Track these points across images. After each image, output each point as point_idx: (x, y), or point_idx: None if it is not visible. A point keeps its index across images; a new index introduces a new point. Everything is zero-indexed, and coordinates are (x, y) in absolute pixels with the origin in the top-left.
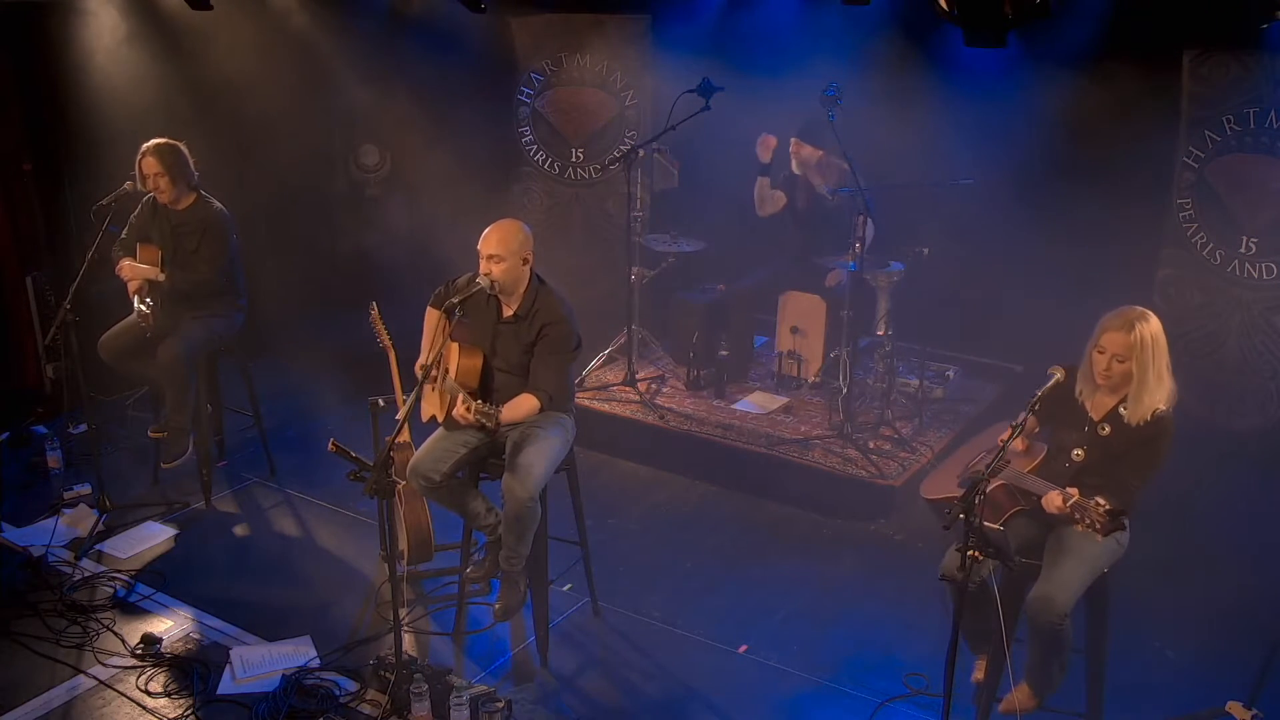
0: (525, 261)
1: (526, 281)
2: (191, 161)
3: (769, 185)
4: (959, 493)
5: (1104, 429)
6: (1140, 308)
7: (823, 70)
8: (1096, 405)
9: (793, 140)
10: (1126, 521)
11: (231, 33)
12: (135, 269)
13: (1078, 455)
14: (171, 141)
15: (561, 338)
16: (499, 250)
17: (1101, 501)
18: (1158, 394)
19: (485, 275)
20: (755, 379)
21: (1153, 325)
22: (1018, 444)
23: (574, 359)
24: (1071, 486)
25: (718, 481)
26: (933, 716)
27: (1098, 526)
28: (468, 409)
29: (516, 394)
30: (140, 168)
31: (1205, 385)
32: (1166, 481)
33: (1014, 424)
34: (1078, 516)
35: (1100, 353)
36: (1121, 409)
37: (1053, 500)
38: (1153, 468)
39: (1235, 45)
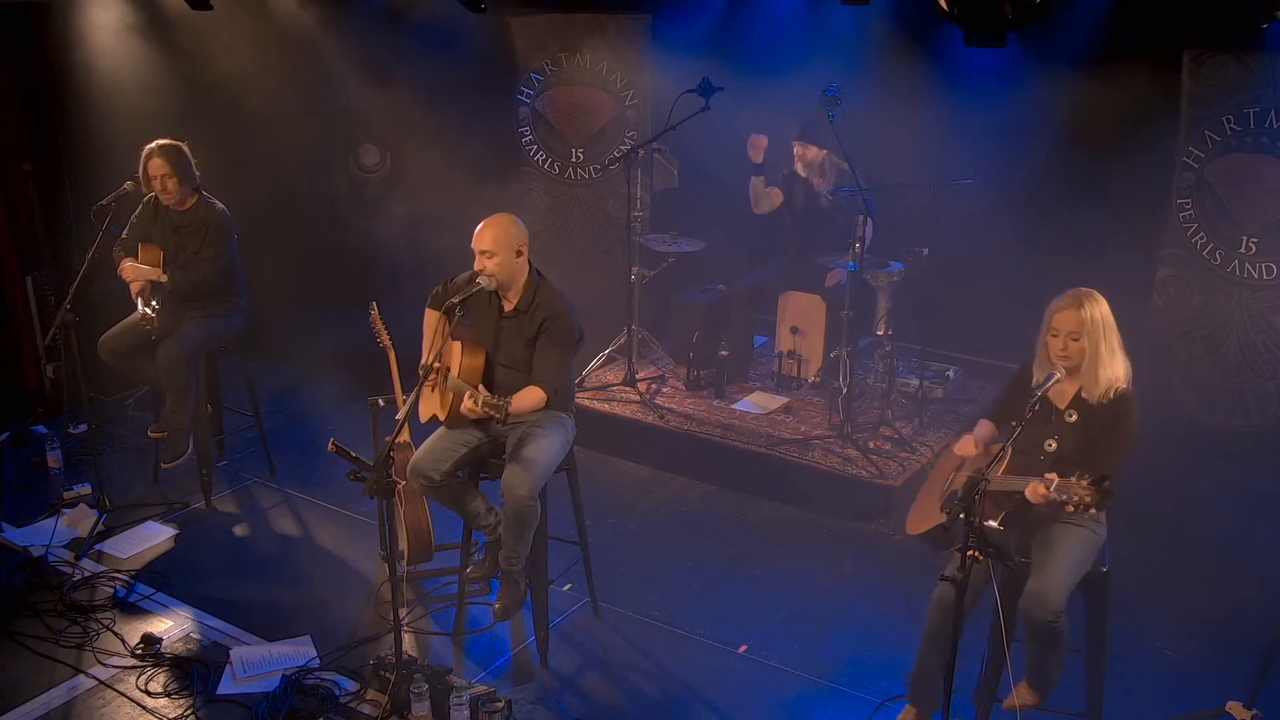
0: (519, 254)
1: (525, 275)
2: (194, 162)
3: (763, 184)
4: (943, 518)
5: (1071, 415)
6: (1087, 288)
7: (823, 70)
8: (1058, 394)
9: (797, 143)
10: (1103, 515)
11: (232, 32)
12: (137, 270)
13: (1051, 446)
14: (176, 142)
15: (563, 331)
16: (491, 246)
17: (1080, 475)
18: (1113, 369)
19: (481, 271)
20: (755, 379)
21: (1102, 304)
22: (970, 450)
23: (576, 352)
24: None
25: (718, 481)
26: (934, 716)
27: (1088, 501)
28: (475, 401)
29: (520, 390)
30: (146, 169)
31: (1205, 385)
32: (1166, 481)
33: (1014, 424)
34: (1064, 498)
35: (1054, 335)
36: (1083, 393)
37: (1036, 490)
38: (1125, 447)
39: (1235, 45)
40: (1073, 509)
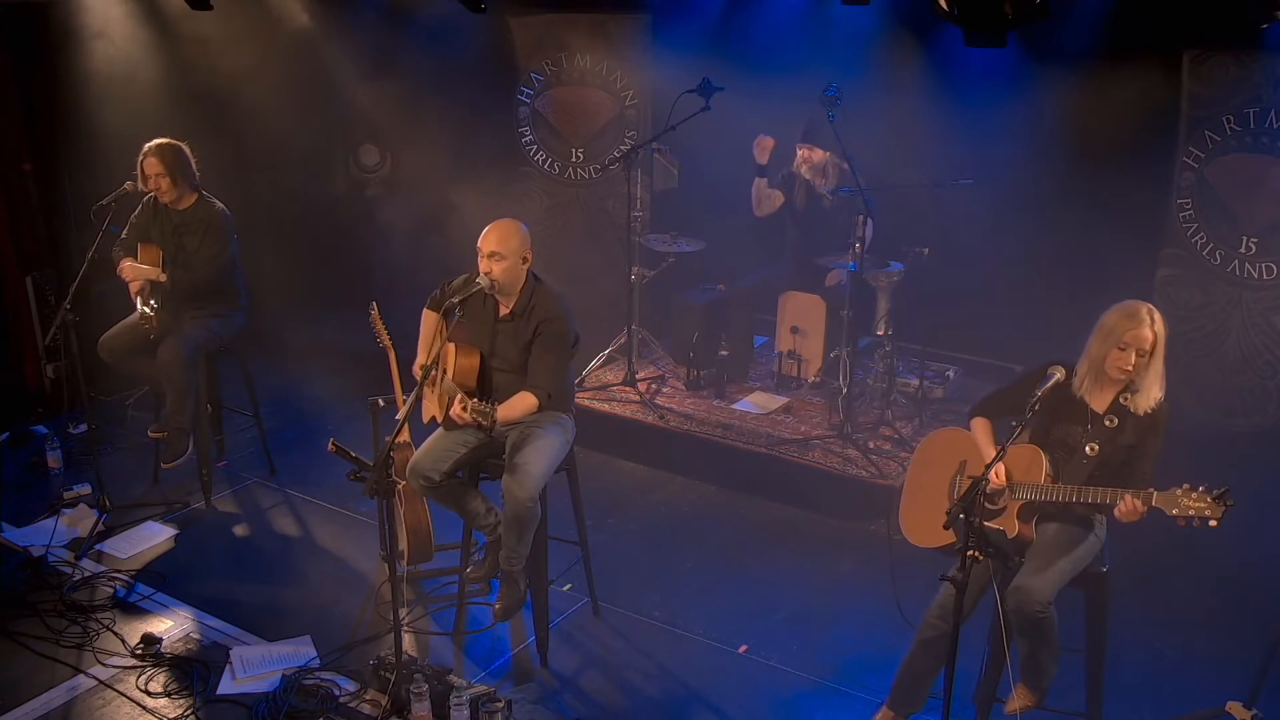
0: (525, 260)
1: (523, 280)
2: (194, 161)
3: (766, 186)
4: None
5: (1111, 421)
6: (1146, 302)
7: (823, 70)
8: (1099, 399)
9: (802, 146)
10: (1104, 517)
11: (231, 33)
12: (136, 270)
13: (1092, 450)
14: (174, 142)
15: (558, 335)
16: (500, 249)
17: (1188, 488)
18: (1161, 382)
19: (485, 275)
20: (755, 379)
21: (1161, 318)
22: (1001, 480)
23: (571, 356)
24: (1089, 484)
25: (718, 481)
26: (933, 717)
27: (1208, 514)
28: (464, 408)
29: (517, 393)
30: (142, 168)
31: (1205, 385)
32: (1166, 481)
33: (1015, 423)
34: (1175, 512)
35: (1122, 349)
36: (1123, 399)
37: (1133, 507)
38: (1158, 454)
39: (1235, 45)
40: (1184, 523)
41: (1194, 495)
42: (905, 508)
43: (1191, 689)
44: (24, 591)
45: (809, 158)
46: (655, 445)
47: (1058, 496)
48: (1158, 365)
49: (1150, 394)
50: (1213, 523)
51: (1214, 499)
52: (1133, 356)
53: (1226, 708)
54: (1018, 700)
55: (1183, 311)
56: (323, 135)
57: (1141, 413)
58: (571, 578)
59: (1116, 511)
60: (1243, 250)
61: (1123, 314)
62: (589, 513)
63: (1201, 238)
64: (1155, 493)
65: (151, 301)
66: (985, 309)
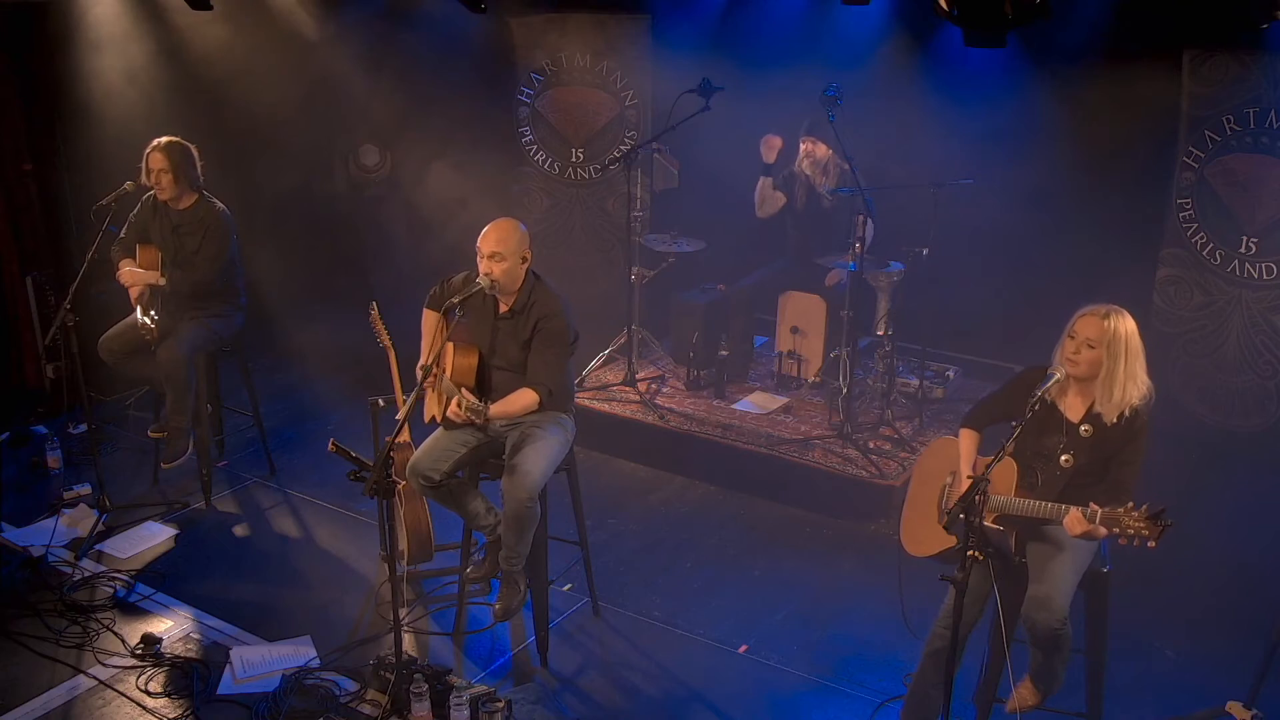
0: (524, 260)
1: (523, 278)
2: (199, 164)
3: (771, 185)
4: (950, 541)
5: (1085, 430)
6: (1119, 306)
7: (823, 70)
8: (1071, 407)
9: (805, 140)
10: None
11: (231, 32)
12: (135, 274)
13: (1066, 461)
14: (182, 141)
15: (557, 331)
16: (499, 249)
17: (1130, 507)
18: (1130, 391)
19: (486, 275)
20: (755, 379)
21: (1128, 322)
22: (966, 472)
23: (570, 352)
24: (1064, 495)
25: (718, 481)
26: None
27: (1146, 534)
28: (458, 405)
29: (513, 391)
30: (147, 162)
31: (1205, 385)
32: (1166, 481)
33: (1015, 423)
34: (1115, 531)
35: (1071, 338)
36: (1096, 408)
37: (1077, 523)
38: (1139, 463)
39: (1235, 45)
40: (1125, 541)
41: (1134, 515)
42: (904, 520)
43: (1191, 689)
44: (24, 591)
45: (812, 151)
46: (655, 445)
47: (1014, 510)
48: (1117, 368)
49: (1112, 400)
50: (1151, 543)
51: (1150, 519)
52: (1079, 346)
53: (1226, 708)
54: (1019, 697)
55: (1183, 311)
56: (323, 135)
57: (1111, 421)
58: (571, 578)
59: (1064, 525)
60: (1243, 250)
61: (1086, 307)
62: (589, 513)
63: (1201, 238)
64: (1100, 510)
65: (151, 312)
66: (985, 309)
